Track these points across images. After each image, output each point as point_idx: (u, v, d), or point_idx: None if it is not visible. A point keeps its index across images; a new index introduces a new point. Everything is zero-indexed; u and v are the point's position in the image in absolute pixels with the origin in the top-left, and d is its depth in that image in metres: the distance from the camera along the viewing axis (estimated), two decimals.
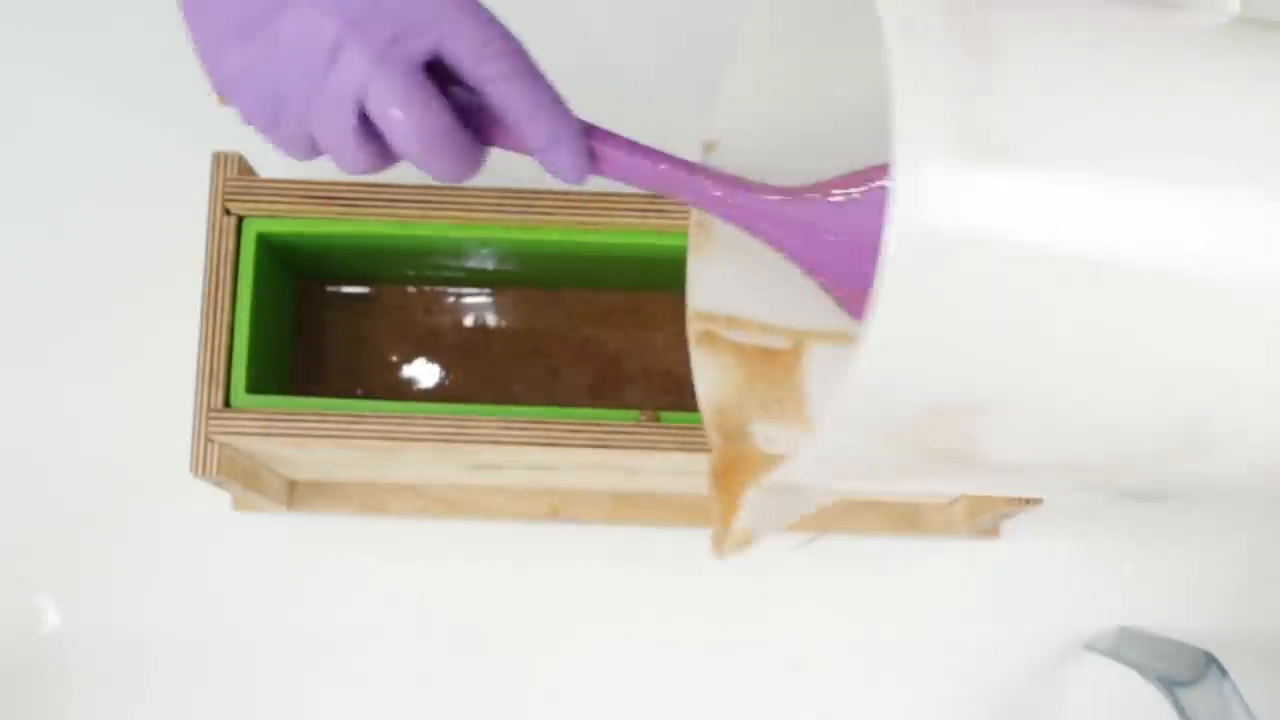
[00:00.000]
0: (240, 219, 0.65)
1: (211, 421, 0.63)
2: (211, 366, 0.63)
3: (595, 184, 0.66)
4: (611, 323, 0.73)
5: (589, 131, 0.53)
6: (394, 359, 0.74)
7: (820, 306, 0.56)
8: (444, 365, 0.74)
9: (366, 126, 0.51)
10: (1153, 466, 0.46)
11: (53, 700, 0.73)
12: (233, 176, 0.64)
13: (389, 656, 0.74)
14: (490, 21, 0.51)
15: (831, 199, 0.54)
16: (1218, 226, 0.43)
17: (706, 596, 0.75)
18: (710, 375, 0.57)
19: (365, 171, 0.53)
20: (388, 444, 0.63)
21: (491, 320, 0.74)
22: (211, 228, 0.64)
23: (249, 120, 0.53)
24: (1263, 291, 0.43)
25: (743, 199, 0.54)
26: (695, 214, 0.58)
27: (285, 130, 0.52)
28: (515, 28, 0.53)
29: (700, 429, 0.63)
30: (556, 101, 0.52)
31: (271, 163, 0.63)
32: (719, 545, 0.53)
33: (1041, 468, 0.46)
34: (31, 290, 0.76)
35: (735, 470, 0.54)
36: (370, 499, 0.75)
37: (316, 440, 0.63)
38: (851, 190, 0.54)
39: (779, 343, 0.58)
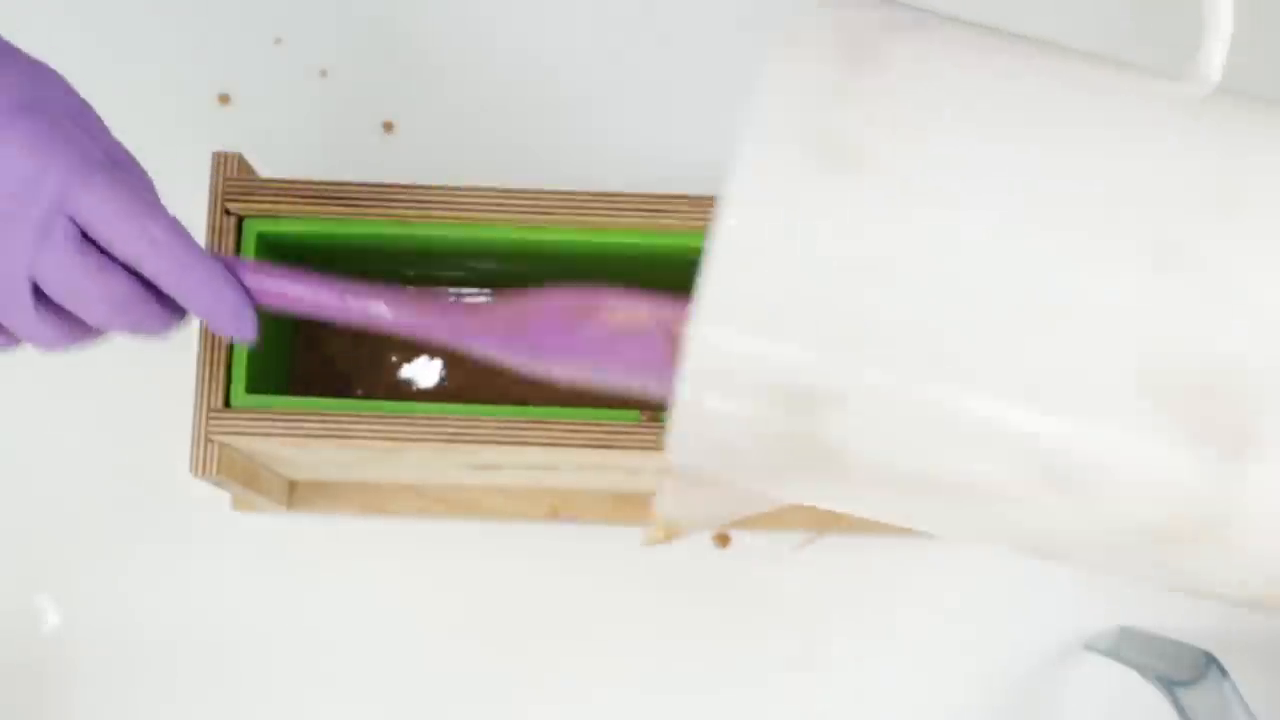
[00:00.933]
0: (240, 219, 0.65)
1: (211, 421, 0.63)
2: (211, 366, 0.63)
3: (595, 184, 0.66)
4: None
5: (254, 272, 0.53)
6: (394, 359, 0.74)
7: None
8: (444, 365, 0.74)
9: (49, 305, 0.51)
10: (1015, 508, 0.45)
11: (53, 700, 0.73)
12: (233, 176, 0.64)
13: (389, 656, 0.74)
14: (123, 192, 0.50)
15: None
16: (1080, 255, 0.43)
17: (707, 597, 0.75)
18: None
19: (67, 348, 0.52)
20: (388, 444, 0.63)
21: None
22: (211, 228, 0.64)
23: None
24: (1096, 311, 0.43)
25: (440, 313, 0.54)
26: None
27: None
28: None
29: None
30: (203, 263, 0.51)
31: (272, 163, 0.64)
32: (649, 531, 0.54)
33: (901, 488, 0.45)
34: None
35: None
36: (370, 499, 0.75)
37: (316, 440, 0.63)
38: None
39: None
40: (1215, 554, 0.45)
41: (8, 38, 0.54)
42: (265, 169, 0.67)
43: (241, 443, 0.64)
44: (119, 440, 0.75)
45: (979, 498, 0.45)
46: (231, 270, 0.52)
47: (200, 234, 0.65)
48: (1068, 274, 0.43)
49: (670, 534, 0.53)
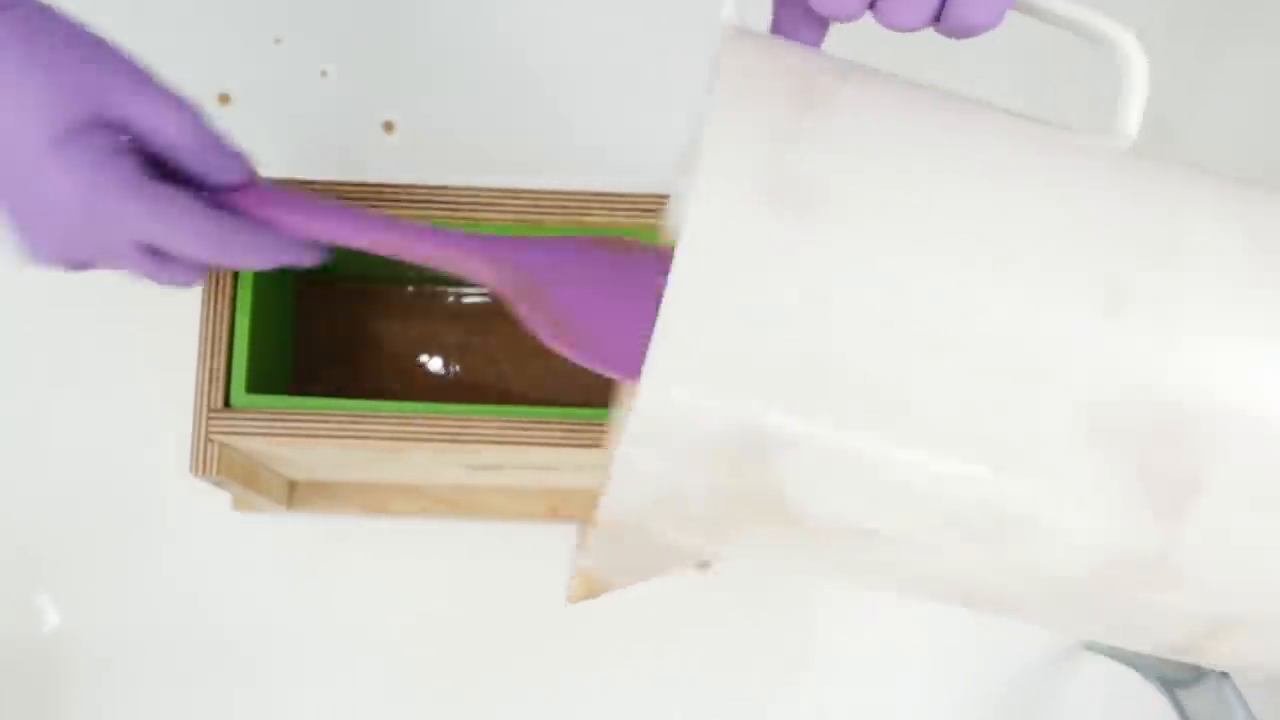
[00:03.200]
0: None
1: (211, 421, 0.63)
2: (211, 366, 0.63)
3: (595, 183, 0.67)
4: None
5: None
6: (394, 359, 0.74)
7: None
8: (444, 365, 0.74)
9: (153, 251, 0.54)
10: (966, 560, 0.45)
11: (53, 700, 0.73)
12: None
13: (389, 656, 0.74)
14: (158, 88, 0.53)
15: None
16: (1029, 299, 0.43)
17: (707, 597, 0.75)
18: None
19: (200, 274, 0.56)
20: (388, 444, 0.63)
21: (491, 320, 0.74)
22: None
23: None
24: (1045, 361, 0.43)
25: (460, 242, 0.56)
26: None
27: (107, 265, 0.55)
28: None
29: None
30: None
31: (272, 163, 0.63)
32: (572, 584, 0.53)
33: (852, 537, 0.45)
34: (32, 290, 0.76)
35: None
36: (370, 499, 0.75)
37: (316, 440, 0.63)
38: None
39: None
40: (1158, 599, 0.45)
41: None
42: (265, 169, 0.67)
43: (241, 443, 0.64)
44: (119, 440, 0.75)
45: (919, 546, 0.45)
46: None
47: None
48: (1020, 317, 0.42)
49: (593, 590, 0.52)
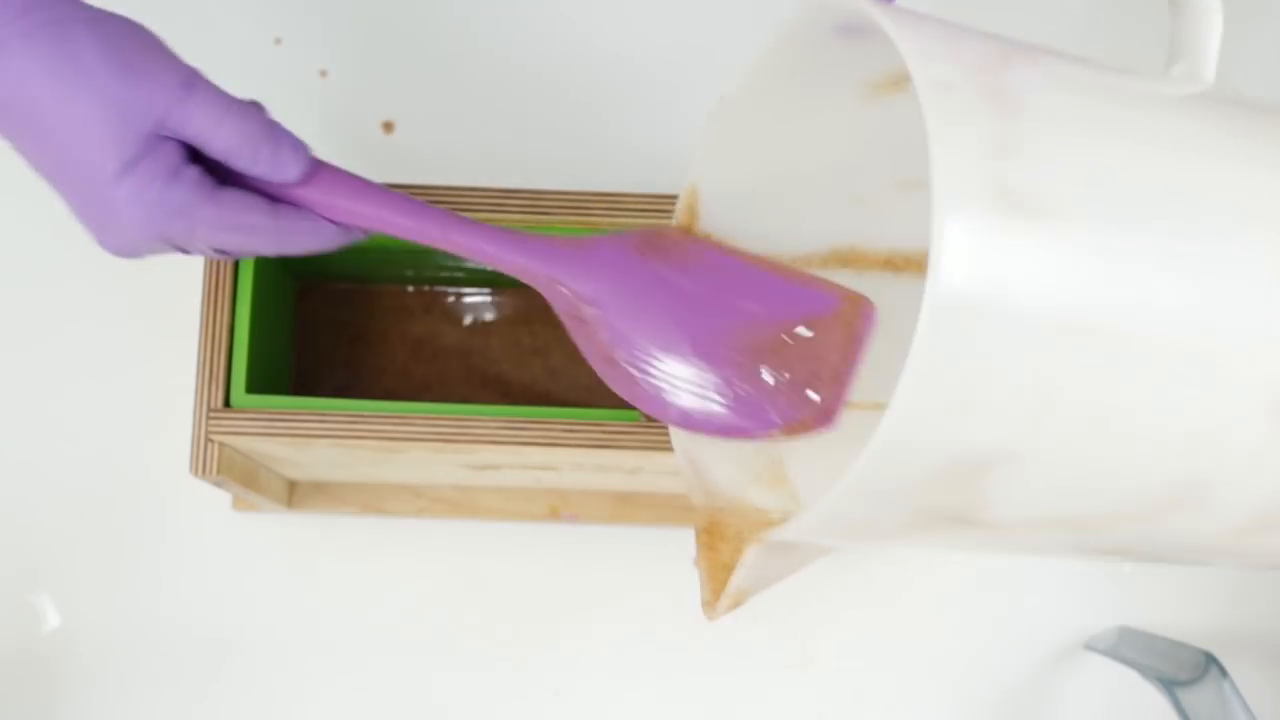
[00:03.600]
0: None
1: (211, 421, 0.63)
2: (211, 366, 0.63)
3: (595, 184, 0.66)
4: None
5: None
6: (394, 359, 0.74)
7: None
8: (444, 365, 0.74)
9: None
10: (1148, 526, 0.46)
11: (53, 700, 0.73)
12: None
13: (389, 656, 0.74)
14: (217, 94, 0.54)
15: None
16: (1224, 290, 0.44)
17: None
18: (687, 442, 0.56)
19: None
20: (388, 444, 0.63)
21: (491, 320, 0.74)
22: None
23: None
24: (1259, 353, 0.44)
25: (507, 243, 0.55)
26: None
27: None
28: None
29: None
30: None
31: None
32: (712, 606, 0.52)
33: (1039, 526, 0.46)
34: (31, 290, 0.76)
35: (721, 528, 0.54)
36: (370, 499, 0.75)
37: (316, 440, 0.63)
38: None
39: None
40: None
41: None
42: None
43: (241, 443, 0.64)
44: (119, 440, 0.75)
45: (1100, 524, 0.46)
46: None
47: None
48: (1227, 305, 0.43)
49: (739, 603, 0.52)
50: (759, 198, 0.57)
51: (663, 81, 0.79)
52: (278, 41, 0.79)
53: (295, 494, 0.74)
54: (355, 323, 0.74)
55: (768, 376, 0.52)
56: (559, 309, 0.55)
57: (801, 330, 0.51)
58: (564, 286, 0.55)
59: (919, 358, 0.40)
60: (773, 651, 0.75)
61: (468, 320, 0.74)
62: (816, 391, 0.50)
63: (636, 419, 0.63)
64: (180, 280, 0.73)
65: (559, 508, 0.74)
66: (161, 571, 0.74)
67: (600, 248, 0.55)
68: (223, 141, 0.53)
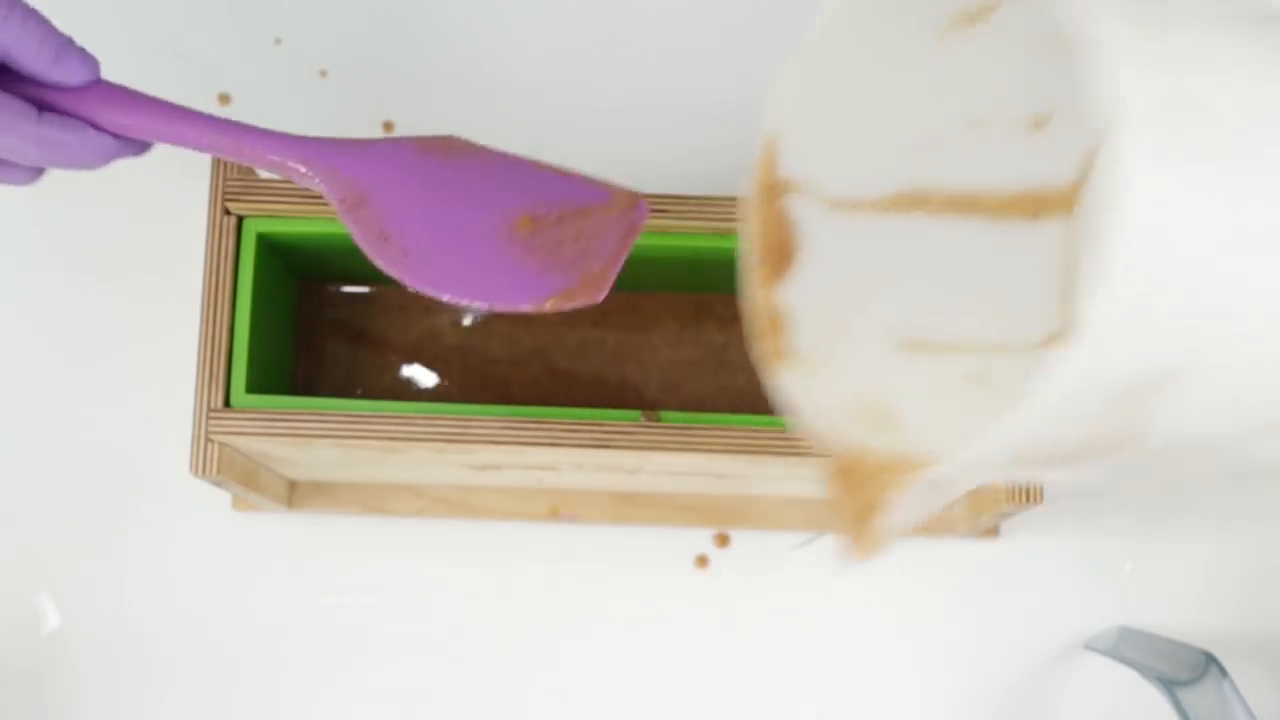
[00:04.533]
0: (240, 219, 0.65)
1: (211, 421, 0.63)
2: (211, 366, 0.63)
3: None
4: (611, 322, 0.73)
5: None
6: (394, 359, 0.74)
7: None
8: (443, 365, 0.74)
9: None
10: None
11: (53, 700, 0.73)
12: (233, 176, 0.64)
13: (389, 656, 0.74)
14: None
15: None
16: None
17: (706, 596, 0.75)
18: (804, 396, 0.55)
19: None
20: (388, 444, 0.63)
21: (491, 320, 0.74)
22: (211, 228, 0.64)
23: None
24: None
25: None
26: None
27: None
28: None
29: (698, 428, 0.63)
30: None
31: None
32: (865, 545, 0.51)
33: (1197, 447, 0.45)
34: (31, 290, 0.76)
35: (861, 467, 0.52)
36: (370, 499, 0.75)
37: (316, 440, 0.63)
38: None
39: None
40: None
41: None
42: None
43: (241, 443, 0.64)
44: (119, 440, 0.75)
45: (1256, 442, 0.45)
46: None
47: (200, 234, 0.65)
48: None
49: (887, 542, 0.51)
50: (837, 139, 0.56)
51: (663, 82, 0.79)
52: (278, 41, 0.79)
53: (295, 494, 0.74)
54: (355, 323, 0.74)
55: (541, 251, 0.55)
56: (336, 197, 0.56)
57: (577, 216, 0.56)
58: (344, 173, 0.56)
59: (1106, 282, 0.39)
60: (772, 651, 0.75)
61: (468, 320, 0.74)
62: (590, 267, 0.54)
63: (637, 419, 0.63)
64: (180, 280, 0.73)
65: (559, 508, 0.74)
66: (162, 571, 0.74)
67: (381, 143, 0.57)
68: (8, 33, 0.52)
